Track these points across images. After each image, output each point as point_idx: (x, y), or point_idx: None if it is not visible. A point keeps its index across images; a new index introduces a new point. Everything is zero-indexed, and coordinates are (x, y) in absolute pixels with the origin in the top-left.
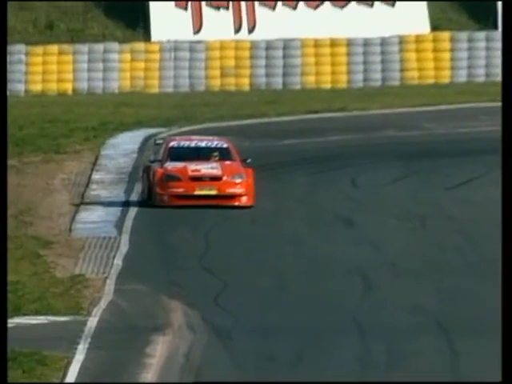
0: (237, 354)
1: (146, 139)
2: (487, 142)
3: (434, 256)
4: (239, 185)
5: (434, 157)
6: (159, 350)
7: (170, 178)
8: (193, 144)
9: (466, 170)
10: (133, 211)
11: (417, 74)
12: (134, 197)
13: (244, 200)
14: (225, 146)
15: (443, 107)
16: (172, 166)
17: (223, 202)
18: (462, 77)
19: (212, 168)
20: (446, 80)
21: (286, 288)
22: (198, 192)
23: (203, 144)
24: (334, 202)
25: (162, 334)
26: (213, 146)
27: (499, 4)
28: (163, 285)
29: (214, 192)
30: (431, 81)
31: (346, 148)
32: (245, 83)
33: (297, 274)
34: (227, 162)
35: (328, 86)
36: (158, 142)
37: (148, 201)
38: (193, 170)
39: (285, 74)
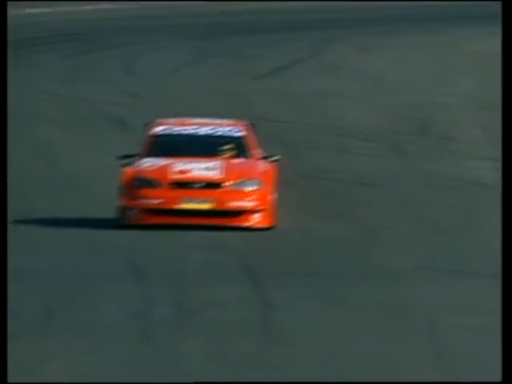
0: None
1: None
2: (312, 12)
3: None
4: (250, 195)
5: (237, 33)
6: None
7: (141, 182)
8: (189, 131)
9: (280, 52)
10: None
11: None
12: None
13: (256, 219)
14: (238, 134)
15: None
16: (149, 164)
17: (223, 222)
18: None
19: (209, 168)
20: None
21: (32, 213)
22: (183, 205)
23: (203, 131)
24: (102, 96)
25: None
26: (218, 133)
27: None
28: None
29: (207, 206)
30: None
31: (110, 20)
32: None
33: (47, 194)
34: (236, 160)
35: None
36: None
37: (118, 220)
38: (178, 172)
39: None
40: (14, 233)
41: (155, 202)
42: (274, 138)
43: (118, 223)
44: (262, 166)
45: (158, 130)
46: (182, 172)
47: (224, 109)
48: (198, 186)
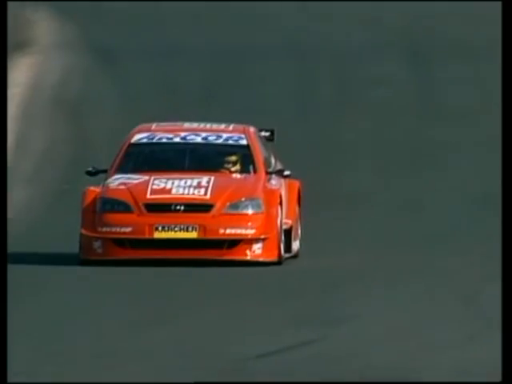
0: (124, 82)
1: None
2: None
3: None
4: (248, 220)
5: None
6: (23, 75)
7: (107, 205)
8: (177, 138)
9: None
10: None
11: None
12: None
13: (257, 251)
14: (240, 142)
15: None
16: (120, 182)
17: (212, 255)
18: None
19: (195, 186)
20: None
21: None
22: (158, 235)
23: (200, 138)
24: None
25: (25, 55)
26: (214, 142)
27: None
28: None
29: (191, 235)
30: None
31: None
32: None
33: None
34: (232, 176)
35: None
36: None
37: (79, 255)
38: (156, 191)
39: None
40: None
41: (124, 230)
42: None
43: (79, 259)
44: (271, 183)
45: (137, 137)
46: (158, 192)
47: None
48: (179, 209)
